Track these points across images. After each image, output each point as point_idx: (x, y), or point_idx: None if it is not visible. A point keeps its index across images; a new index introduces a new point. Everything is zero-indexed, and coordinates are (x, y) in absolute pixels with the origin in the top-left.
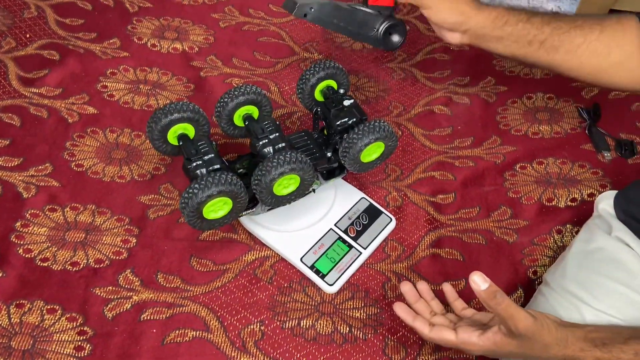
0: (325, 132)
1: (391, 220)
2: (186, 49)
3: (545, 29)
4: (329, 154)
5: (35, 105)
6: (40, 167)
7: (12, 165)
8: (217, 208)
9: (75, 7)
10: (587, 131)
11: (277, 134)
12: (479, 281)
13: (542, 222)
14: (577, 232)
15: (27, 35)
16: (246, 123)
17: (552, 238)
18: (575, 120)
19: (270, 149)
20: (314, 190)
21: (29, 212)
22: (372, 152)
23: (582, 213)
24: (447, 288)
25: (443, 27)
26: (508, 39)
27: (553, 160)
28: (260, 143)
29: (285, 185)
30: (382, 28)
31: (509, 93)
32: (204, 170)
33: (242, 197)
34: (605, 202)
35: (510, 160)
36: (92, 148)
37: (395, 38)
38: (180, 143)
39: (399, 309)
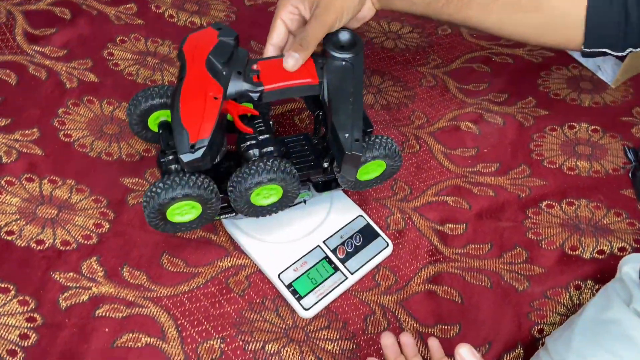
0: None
1: (387, 245)
2: (204, 24)
3: None
4: (325, 164)
5: (35, 64)
6: (27, 131)
7: None
8: (184, 212)
9: None
10: (630, 174)
11: (268, 136)
12: (467, 356)
13: (561, 272)
14: (597, 291)
15: None
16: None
17: (568, 293)
18: (619, 159)
19: (256, 151)
20: (304, 201)
21: (5, 179)
22: (370, 170)
23: (607, 269)
24: (433, 344)
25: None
26: None
27: (586, 203)
28: (247, 144)
29: (265, 195)
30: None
31: (549, 118)
32: (178, 166)
33: (213, 204)
34: (630, 265)
35: (537, 196)
36: (85, 119)
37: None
38: (160, 132)
39: None
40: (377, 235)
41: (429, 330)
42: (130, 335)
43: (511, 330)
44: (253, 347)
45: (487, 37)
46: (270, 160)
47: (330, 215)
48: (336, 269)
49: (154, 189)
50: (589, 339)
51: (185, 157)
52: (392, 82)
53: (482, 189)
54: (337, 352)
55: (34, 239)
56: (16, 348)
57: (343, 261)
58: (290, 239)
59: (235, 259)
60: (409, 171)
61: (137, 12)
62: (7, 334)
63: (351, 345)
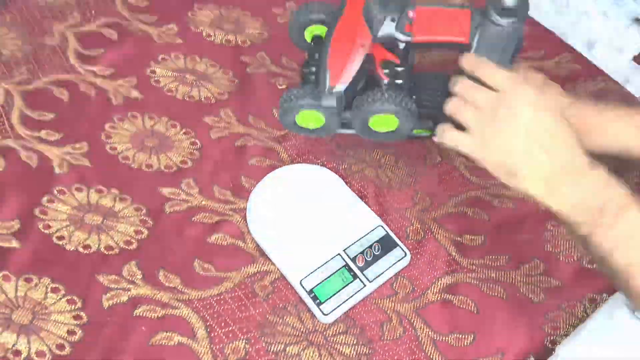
0: None
1: (405, 255)
2: (239, 42)
3: None
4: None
5: (86, 82)
6: (77, 145)
7: (53, 139)
8: (309, 119)
9: None
10: None
11: (403, 68)
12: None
13: (577, 285)
14: None
15: (92, 12)
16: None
17: (582, 306)
18: None
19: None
20: (430, 136)
21: (57, 189)
22: (381, 121)
23: None
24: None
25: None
26: None
27: None
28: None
29: (382, 123)
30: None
31: None
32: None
33: (334, 120)
34: None
35: None
36: (129, 132)
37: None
38: (311, 44)
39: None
40: (396, 245)
41: (444, 338)
42: (165, 334)
43: (524, 340)
44: (275, 349)
45: None
46: (393, 93)
47: (351, 225)
48: (355, 276)
49: (287, 96)
50: (593, 348)
51: (324, 102)
52: None
53: (502, 201)
54: (353, 356)
55: (82, 244)
56: (64, 343)
57: (362, 269)
58: (313, 246)
59: (261, 265)
60: (432, 183)
61: (177, 32)
62: (57, 330)
63: (367, 350)
